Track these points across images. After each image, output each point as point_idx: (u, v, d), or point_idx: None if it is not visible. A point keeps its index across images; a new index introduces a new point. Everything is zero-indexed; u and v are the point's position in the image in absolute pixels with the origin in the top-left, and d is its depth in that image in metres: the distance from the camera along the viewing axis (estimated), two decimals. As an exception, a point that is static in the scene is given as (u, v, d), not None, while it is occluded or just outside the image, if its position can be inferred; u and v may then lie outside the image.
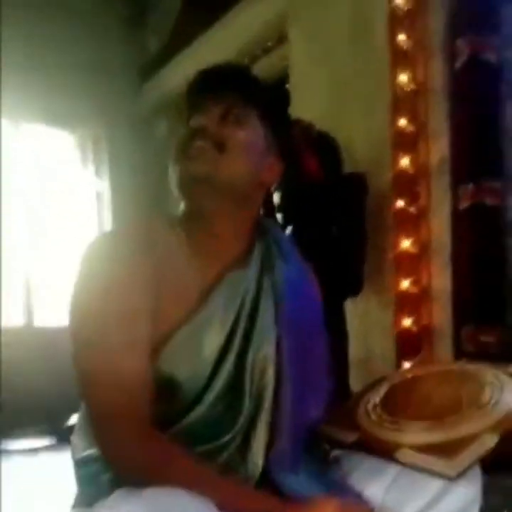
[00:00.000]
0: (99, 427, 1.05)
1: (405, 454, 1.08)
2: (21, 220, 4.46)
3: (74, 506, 1.12)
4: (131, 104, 4.69)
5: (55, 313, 4.49)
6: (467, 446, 1.05)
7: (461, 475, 1.03)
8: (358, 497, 1.14)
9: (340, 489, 1.15)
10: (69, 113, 4.49)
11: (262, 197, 1.25)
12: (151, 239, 1.12)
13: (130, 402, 1.03)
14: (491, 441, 1.05)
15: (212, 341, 1.11)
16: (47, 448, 3.58)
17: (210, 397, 1.10)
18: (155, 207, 4.43)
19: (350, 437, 1.17)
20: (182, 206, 1.20)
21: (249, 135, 1.17)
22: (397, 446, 1.10)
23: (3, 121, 4.39)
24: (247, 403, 1.12)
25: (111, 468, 1.05)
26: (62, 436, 3.51)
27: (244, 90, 1.18)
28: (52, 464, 3.19)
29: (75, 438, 1.17)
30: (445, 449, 1.06)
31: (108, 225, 4.73)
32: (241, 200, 1.17)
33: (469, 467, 1.05)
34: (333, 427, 1.22)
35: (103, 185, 4.74)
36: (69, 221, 4.74)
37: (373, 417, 1.20)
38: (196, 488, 0.93)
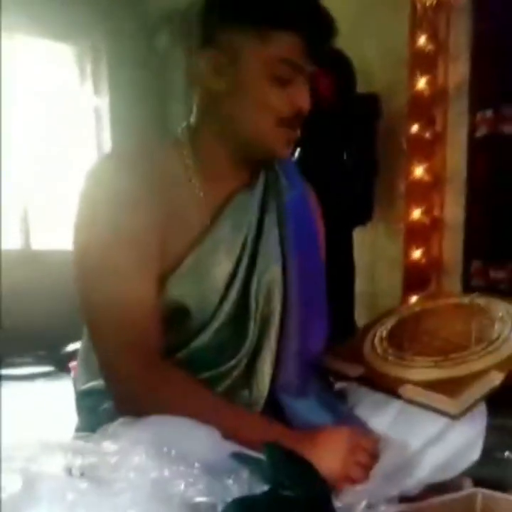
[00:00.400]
0: (103, 355, 1.04)
1: (409, 390, 1.07)
2: (18, 139, 4.32)
3: (76, 430, 1.12)
4: (132, 15, 4.49)
5: (53, 236, 4.41)
6: (472, 384, 1.05)
7: (464, 414, 1.03)
8: (365, 426, 1.15)
9: (348, 419, 1.16)
10: (66, 24, 4.29)
11: None
12: (157, 164, 1.09)
13: (137, 331, 1.01)
14: (496, 379, 1.04)
15: (221, 266, 1.10)
16: (44, 375, 3.59)
17: (215, 324, 1.09)
18: (155, 124, 4.32)
19: (355, 371, 1.17)
20: (191, 119, 1.16)
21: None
22: (401, 381, 1.10)
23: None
24: (252, 328, 1.13)
25: (114, 398, 1.04)
26: (60, 364, 3.51)
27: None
28: (49, 391, 3.21)
29: (78, 368, 1.17)
30: (449, 387, 1.05)
31: (107, 143, 4.60)
32: None
33: (473, 406, 1.05)
34: (338, 360, 1.22)
35: (102, 102, 4.60)
36: (67, 139, 4.63)
37: (379, 350, 1.20)
38: (200, 416, 0.92)
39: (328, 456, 1.00)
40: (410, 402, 1.08)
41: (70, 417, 1.19)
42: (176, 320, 1.08)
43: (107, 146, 4.57)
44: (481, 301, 1.27)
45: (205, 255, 1.08)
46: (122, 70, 4.46)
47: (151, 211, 1.04)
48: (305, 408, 1.15)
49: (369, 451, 1.04)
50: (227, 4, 1.06)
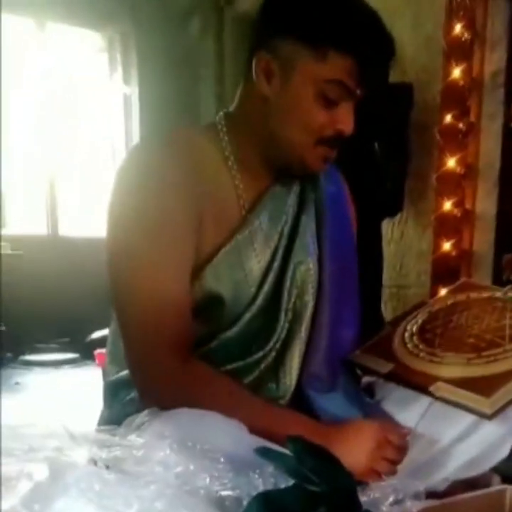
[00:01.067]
0: (132, 349, 1.03)
1: (441, 388, 1.06)
2: (48, 126, 4.34)
3: (99, 423, 1.13)
4: (162, 2, 4.46)
5: (80, 222, 4.42)
6: (506, 383, 1.03)
7: (498, 413, 1.01)
8: (392, 420, 1.14)
9: (376, 413, 1.15)
10: (96, 12, 4.29)
11: None
12: (196, 150, 1.08)
13: (169, 326, 1.00)
14: None
15: (257, 257, 1.10)
16: (69, 362, 3.62)
17: (247, 315, 1.09)
18: (186, 112, 4.32)
19: (385, 367, 1.16)
20: (231, 108, 1.15)
21: None
22: (433, 378, 1.08)
23: (27, 20, 4.20)
24: (283, 320, 1.12)
25: (138, 391, 1.04)
26: (85, 351, 3.54)
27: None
28: (73, 378, 3.24)
29: (107, 357, 1.17)
30: (482, 385, 1.03)
31: (136, 131, 4.59)
32: None
33: (507, 405, 1.02)
34: (368, 356, 1.21)
35: (131, 89, 4.60)
36: (96, 127, 4.64)
37: (409, 346, 1.18)
38: (228, 412, 0.92)
39: (355, 449, 1.01)
40: (442, 400, 1.06)
41: (95, 405, 1.19)
42: (210, 310, 1.07)
43: (136, 134, 4.56)
44: None
45: (242, 245, 1.08)
46: (152, 58, 4.44)
47: (189, 199, 1.03)
48: (332, 403, 1.14)
49: (397, 445, 1.04)
50: (287, 15, 1.04)
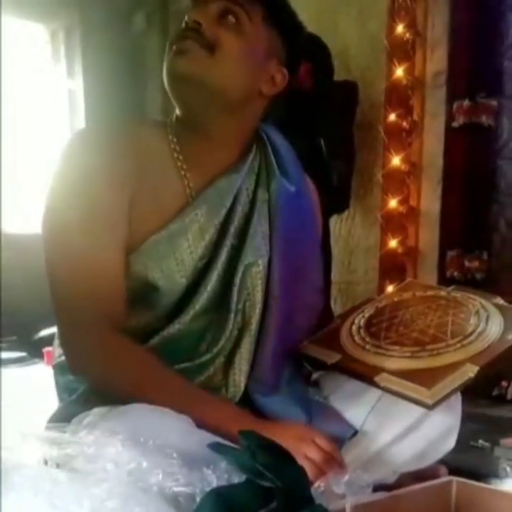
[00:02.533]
0: (64, 323, 1.06)
1: (385, 379, 1.09)
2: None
3: (50, 420, 1.10)
4: (106, -4, 4.42)
5: (26, 219, 4.32)
6: (447, 376, 1.06)
7: (438, 404, 1.04)
8: (340, 418, 1.15)
9: (322, 411, 1.16)
10: (40, 3, 4.21)
11: (263, 107, 1.18)
12: (134, 144, 1.09)
13: (99, 297, 1.02)
14: (471, 371, 1.06)
15: (189, 248, 1.09)
16: (16, 360, 3.54)
17: (191, 311, 1.08)
18: (131, 107, 4.27)
19: (332, 358, 1.18)
20: (176, 111, 1.15)
21: (247, 39, 1.08)
22: (378, 370, 1.11)
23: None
24: (232, 322, 1.11)
25: (69, 362, 1.06)
26: (33, 349, 3.46)
27: None
28: (21, 377, 3.16)
29: (54, 345, 1.17)
30: (425, 377, 1.06)
31: (81, 126, 4.51)
32: (235, 108, 1.12)
33: (447, 396, 1.06)
34: (315, 347, 1.22)
35: (76, 83, 4.52)
36: (40, 122, 4.54)
37: (356, 339, 1.21)
38: (150, 391, 0.96)
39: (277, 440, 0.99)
40: (386, 390, 1.09)
41: (44, 403, 1.18)
42: (146, 297, 1.07)
43: (81, 126, 4.49)
44: (457, 294, 1.28)
45: (174, 234, 1.08)
46: (97, 52, 4.37)
47: (120, 183, 1.04)
48: (276, 403, 1.14)
49: (323, 449, 1.00)
50: None
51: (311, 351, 1.21)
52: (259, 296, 1.14)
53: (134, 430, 0.82)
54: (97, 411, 0.93)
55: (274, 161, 1.18)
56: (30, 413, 1.19)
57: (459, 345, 1.12)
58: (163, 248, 1.07)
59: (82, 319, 1.01)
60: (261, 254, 1.14)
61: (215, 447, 0.83)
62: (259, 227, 1.15)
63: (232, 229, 1.13)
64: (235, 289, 1.11)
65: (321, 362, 1.20)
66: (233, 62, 1.07)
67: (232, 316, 1.11)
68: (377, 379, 1.09)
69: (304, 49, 1.18)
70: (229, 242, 1.12)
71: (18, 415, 0.97)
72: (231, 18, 1.07)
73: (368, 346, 1.17)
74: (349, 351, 1.18)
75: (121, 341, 1.03)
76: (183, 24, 1.09)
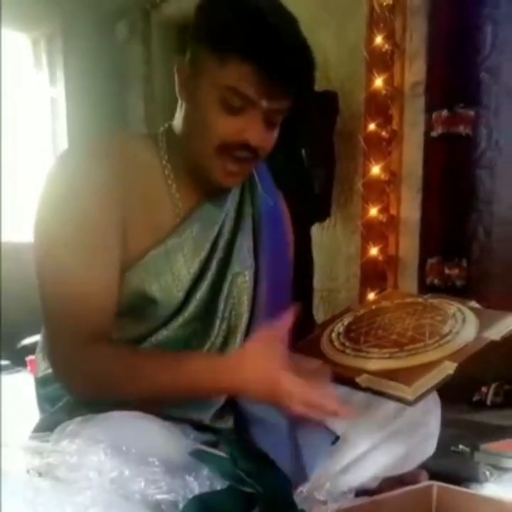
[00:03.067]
0: (49, 337, 1.05)
1: (366, 379, 1.10)
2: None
3: (35, 430, 1.10)
4: (88, 4, 4.40)
5: (5, 228, 4.29)
6: (427, 373, 1.08)
7: (419, 400, 1.05)
8: (321, 425, 1.13)
9: (302, 418, 1.12)
10: (21, 12, 4.18)
11: None
12: (131, 155, 1.08)
13: (87, 319, 1.01)
14: (450, 368, 1.07)
15: (186, 264, 1.11)
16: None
17: (180, 319, 1.10)
18: (113, 115, 4.26)
19: (312, 364, 1.17)
20: (167, 125, 1.14)
21: (277, 129, 1.08)
22: (359, 371, 1.12)
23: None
24: (217, 328, 1.13)
25: (56, 378, 1.06)
26: (16, 358, 3.43)
27: (304, 88, 1.06)
28: (4, 385, 3.13)
29: (37, 356, 1.17)
30: (405, 375, 1.08)
31: (63, 135, 4.49)
32: None
33: (428, 393, 1.07)
34: (296, 355, 1.21)
35: (58, 91, 4.50)
36: (22, 129, 4.51)
37: (336, 344, 1.23)
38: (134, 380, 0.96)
39: (252, 375, 0.99)
40: (368, 390, 1.10)
41: (27, 412, 1.18)
42: (143, 309, 1.08)
43: (63, 137, 4.47)
44: (434, 300, 1.31)
45: (171, 251, 1.09)
46: (79, 61, 4.36)
47: (113, 204, 1.03)
48: (260, 409, 1.15)
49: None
50: (197, 20, 1.04)
51: (292, 359, 1.23)
52: (245, 306, 1.17)
53: (116, 438, 0.82)
54: (79, 419, 0.93)
55: (255, 175, 1.21)
56: (12, 421, 1.18)
57: (436, 344, 1.14)
58: (161, 263, 1.08)
59: (69, 333, 1.01)
60: (246, 265, 1.17)
61: (197, 454, 0.83)
62: (245, 241, 1.18)
63: (222, 243, 1.15)
64: (222, 298, 1.14)
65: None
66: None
67: (217, 322, 1.14)
68: (358, 380, 1.10)
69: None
70: (219, 255, 1.15)
71: (1, 424, 0.96)
72: (274, 119, 1.05)
73: (347, 350, 1.19)
74: (330, 356, 1.20)
75: (104, 352, 1.02)
76: (232, 136, 1.02)
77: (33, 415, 1.14)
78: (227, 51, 0.97)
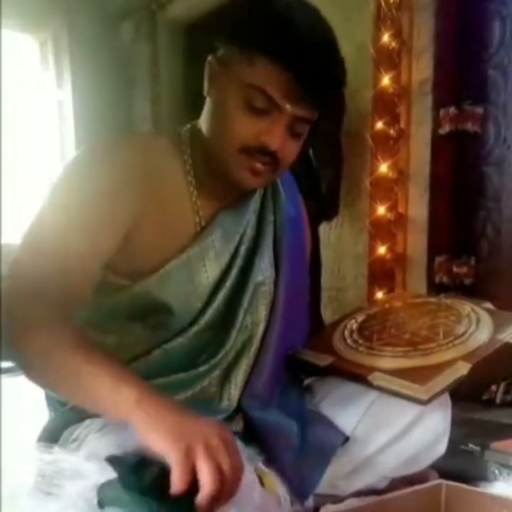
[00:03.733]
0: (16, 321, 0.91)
1: (378, 377, 1.10)
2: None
3: (40, 439, 1.08)
4: (94, 5, 4.40)
5: (7, 229, 4.30)
6: (440, 373, 1.07)
7: (432, 399, 1.04)
8: (331, 426, 1.16)
9: (313, 419, 1.17)
10: (28, 14, 4.20)
11: None
12: (146, 164, 1.04)
13: (60, 302, 0.92)
14: (464, 368, 1.07)
15: (206, 273, 1.08)
16: (5, 371, 3.51)
17: (195, 328, 1.08)
18: (120, 116, 4.26)
19: (325, 361, 1.18)
20: (190, 126, 1.12)
21: (301, 142, 1.07)
22: (371, 369, 1.11)
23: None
24: (234, 338, 1.12)
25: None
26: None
27: (329, 97, 1.05)
28: (10, 387, 3.14)
29: None
30: (418, 374, 1.08)
31: (70, 136, 4.50)
32: None
33: (441, 393, 1.06)
34: (308, 352, 1.23)
35: (65, 93, 4.51)
36: (28, 131, 4.53)
37: (349, 341, 1.22)
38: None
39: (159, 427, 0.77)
40: (380, 389, 1.10)
41: (34, 414, 1.19)
42: (159, 317, 1.07)
43: (70, 139, 4.48)
44: (447, 300, 1.30)
45: (194, 260, 1.07)
46: (85, 61, 4.37)
47: (123, 203, 1.00)
48: (269, 415, 1.14)
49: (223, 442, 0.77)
50: (226, 18, 1.03)
51: (304, 355, 1.22)
52: (263, 315, 1.15)
53: (116, 449, 0.81)
54: (80, 431, 0.94)
55: (279, 183, 1.20)
56: (19, 423, 1.18)
57: (450, 344, 1.13)
58: (182, 273, 1.06)
59: (38, 314, 0.91)
60: (267, 274, 1.16)
61: (111, 460, 0.74)
62: (266, 249, 1.16)
63: (243, 251, 1.14)
64: (242, 308, 1.12)
65: (313, 366, 1.20)
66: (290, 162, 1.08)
67: (234, 333, 1.12)
68: (370, 378, 1.10)
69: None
70: (239, 263, 1.13)
71: (6, 425, 0.96)
72: (298, 129, 1.03)
73: (360, 348, 1.19)
74: (342, 353, 1.20)
75: (57, 332, 0.91)
76: (253, 139, 1.00)
77: (37, 417, 1.14)
78: (254, 51, 0.96)
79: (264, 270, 1.15)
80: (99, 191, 0.99)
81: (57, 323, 0.90)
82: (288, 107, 0.98)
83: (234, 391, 1.12)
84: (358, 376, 1.13)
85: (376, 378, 1.10)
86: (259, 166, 1.02)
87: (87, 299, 0.99)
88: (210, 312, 1.10)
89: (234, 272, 1.12)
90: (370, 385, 1.10)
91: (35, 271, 0.94)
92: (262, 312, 1.15)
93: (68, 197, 0.99)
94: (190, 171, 1.08)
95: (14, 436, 0.88)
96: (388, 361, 1.13)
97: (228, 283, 1.11)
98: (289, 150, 1.04)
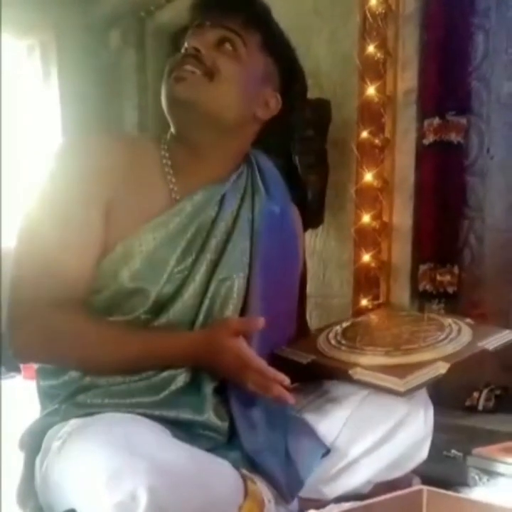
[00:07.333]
0: (13, 303, 1.07)
1: (359, 372, 1.13)
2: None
3: (21, 444, 1.11)
4: (82, 12, 4.40)
5: (7, 230, 4.27)
6: (419, 369, 1.11)
7: (410, 392, 1.09)
8: (313, 435, 1.16)
9: (296, 426, 1.17)
10: (15, 19, 4.19)
11: (255, 131, 1.23)
12: (125, 154, 1.11)
13: (56, 287, 1.03)
14: (443, 368, 1.11)
15: (177, 261, 1.11)
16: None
17: (162, 320, 1.10)
18: (107, 123, 4.26)
19: (307, 358, 1.21)
20: (172, 128, 1.18)
21: (244, 65, 1.12)
22: (352, 365, 1.15)
23: None
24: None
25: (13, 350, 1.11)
26: (9, 363, 3.42)
27: (247, 12, 1.13)
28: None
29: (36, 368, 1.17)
30: (398, 370, 1.11)
31: (57, 139, 4.49)
32: (229, 131, 1.15)
33: (419, 387, 1.11)
34: (290, 350, 1.25)
35: (52, 98, 4.49)
36: (16, 135, 4.51)
37: (333, 342, 1.25)
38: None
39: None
40: (359, 382, 1.13)
41: (21, 417, 1.18)
42: (140, 303, 1.10)
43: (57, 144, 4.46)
44: (430, 314, 1.37)
45: (162, 247, 1.10)
46: (72, 68, 4.37)
47: (99, 188, 1.07)
48: (257, 412, 1.15)
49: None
50: None
51: (286, 353, 1.24)
52: (230, 311, 1.16)
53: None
54: (70, 425, 0.95)
55: (260, 183, 1.22)
56: (6, 427, 1.19)
57: (431, 347, 1.17)
58: (152, 259, 1.09)
59: (34, 292, 1.03)
60: (237, 269, 1.16)
61: None
62: (239, 244, 1.17)
63: (214, 243, 1.15)
64: (206, 302, 1.13)
65: (296, 364, 1.21)
66: (231, 87, 1.12)
67: (198, 327, 1.13)
68: (351, 372, 1.13)
69: (298, 78, 1.22)
70: (209, 256, 1.14)
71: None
72: (228, 46, 1.11)
73: (343, 347, 1.22)
74: (324, 352, 1.22)
75: (61, 313, 1.04)
76: (182, 50, 1.12)
77: (27, 420, 1.14)
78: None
79: (231, 265, 1.16)
80: (80, 176, 1.06)
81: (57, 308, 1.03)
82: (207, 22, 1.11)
83: (205, 389, 1.13)
84: (339, 370, 1.15)
85: (357, 372, 1.13)
86: (183, 70, 1.09)
87: (85, 285, 1.07)
88: (180, 304, 1.11)
89: (203, 265, 1.13)
90: (350, 379, 1.13)
91: (30, 262, 1.03)
92: (229, 308, 1.16)
93: (53, 184, 1.07)
94: (167, 162, 1.15)
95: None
96: (370, 359, 1.16)
97: (197, 276, 1.13)
98: (225, 67, 1.10)
